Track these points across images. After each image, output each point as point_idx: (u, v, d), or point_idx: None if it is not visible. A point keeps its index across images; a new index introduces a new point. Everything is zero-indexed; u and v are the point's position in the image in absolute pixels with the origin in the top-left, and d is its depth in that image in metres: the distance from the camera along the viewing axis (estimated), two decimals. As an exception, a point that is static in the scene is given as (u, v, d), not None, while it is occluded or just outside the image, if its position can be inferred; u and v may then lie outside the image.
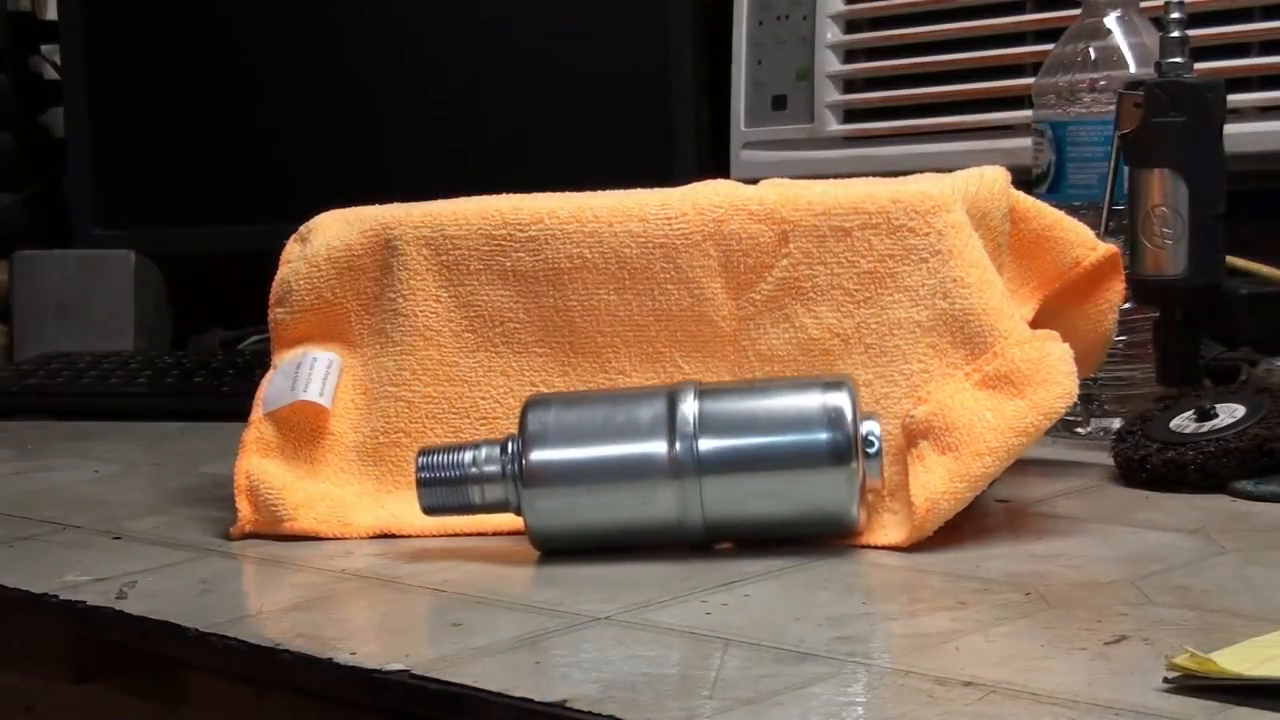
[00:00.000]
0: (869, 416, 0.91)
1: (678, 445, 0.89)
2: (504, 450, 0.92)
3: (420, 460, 0.93)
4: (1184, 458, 1.01)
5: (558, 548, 0.92)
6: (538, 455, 0.91)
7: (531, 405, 0.93)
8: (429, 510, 0.94)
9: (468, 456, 0.92)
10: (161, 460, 1.28)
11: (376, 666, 0.75)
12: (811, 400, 0.90)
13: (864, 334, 0.97)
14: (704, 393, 0.91)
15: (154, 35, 1.72)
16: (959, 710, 0.66)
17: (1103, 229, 1.14)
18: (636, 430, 0.90)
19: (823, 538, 0.91)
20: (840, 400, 0.90)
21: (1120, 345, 1.14)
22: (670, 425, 0.90)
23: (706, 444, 0.89)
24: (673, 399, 0.91)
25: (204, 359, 1.54)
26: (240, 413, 1.05)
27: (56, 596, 0.89)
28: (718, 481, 0.89)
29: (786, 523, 0.91)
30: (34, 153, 1.88)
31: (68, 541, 1.02)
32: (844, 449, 0.89)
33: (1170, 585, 0.82)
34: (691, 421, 0.90)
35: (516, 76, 1.61)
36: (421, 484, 0.93)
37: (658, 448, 0.90)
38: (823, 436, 0.89)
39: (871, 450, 0.90)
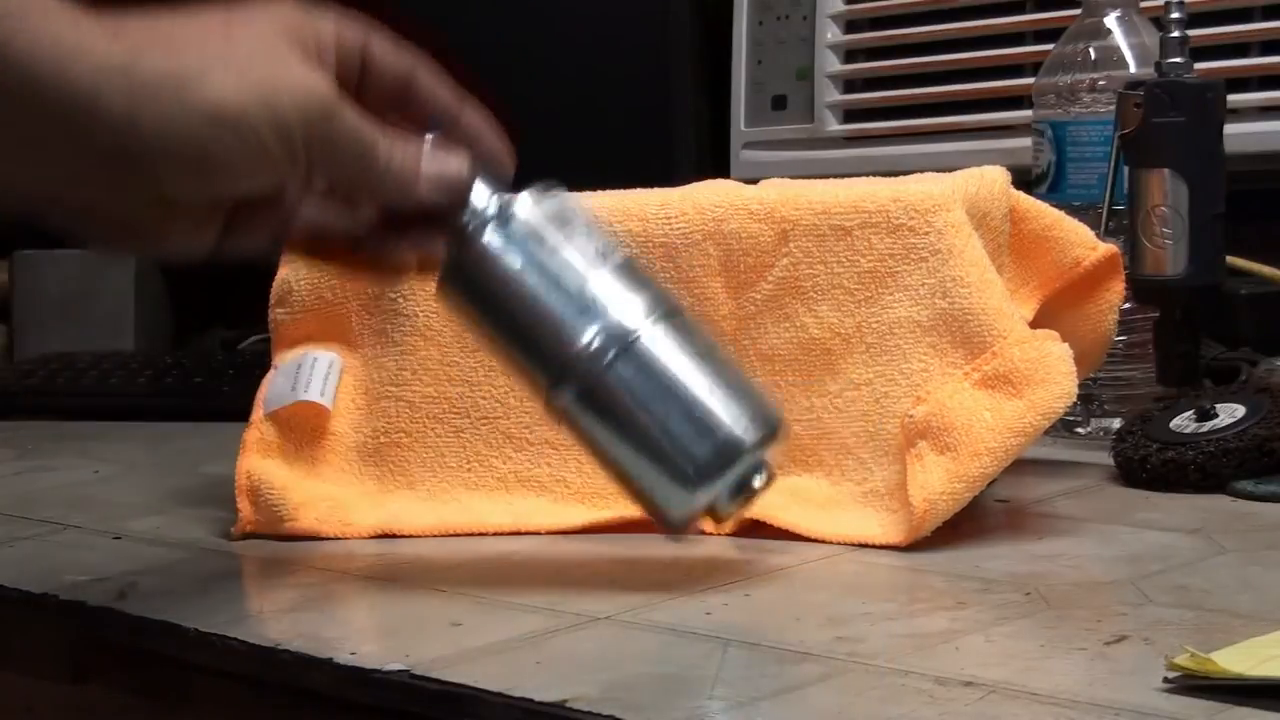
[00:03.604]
0: (765, 469, 0.83)
1: (600, 342, 0.81)
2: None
3: None
4: (1184, 458, 1.01)
5: (461, 307, 0.86)
6: (529, 204, 0.84)
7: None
8: None
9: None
10: (161, 460, 1.28)
11: (376, 666, 0.75)
12: (723, 418, 0.82)
13: (864, 333, 0.97)
14: (670, 320, 0.83)
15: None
16: (959, 710, 0.66)
17: (1103, 229, 1.14)
18: (593, 295, 0.82)
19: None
20: (740, 435, 0.82)
21: (1120, 345, 1.14)
22: (614, 329, 0.82)
23: (620, 368, 0.81)
24: (641, 307, 0.82)
25: (204, 359, 1.54)
26: (240, 413, 1.05)
27: (56, 596, 0.89)
28: (599, 395, 0.82)
29: (623, 475, 0.84)
30: (34, 153, 1.88)
31: (68, 541, 1.02)
32: (706, 475, 0.82)
33: (1170, 585, 0.82)
34: (630, 338, 0.82)
35: (516, 76, 1.61)
36: None
37: (588, 325, 0.81)
38: (701, 451, 0.82)
39: (736, 498, 0.83)
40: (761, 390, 0.87)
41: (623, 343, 0.81)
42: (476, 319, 0.86)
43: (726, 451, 0.82)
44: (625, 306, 0.82)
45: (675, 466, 0.82)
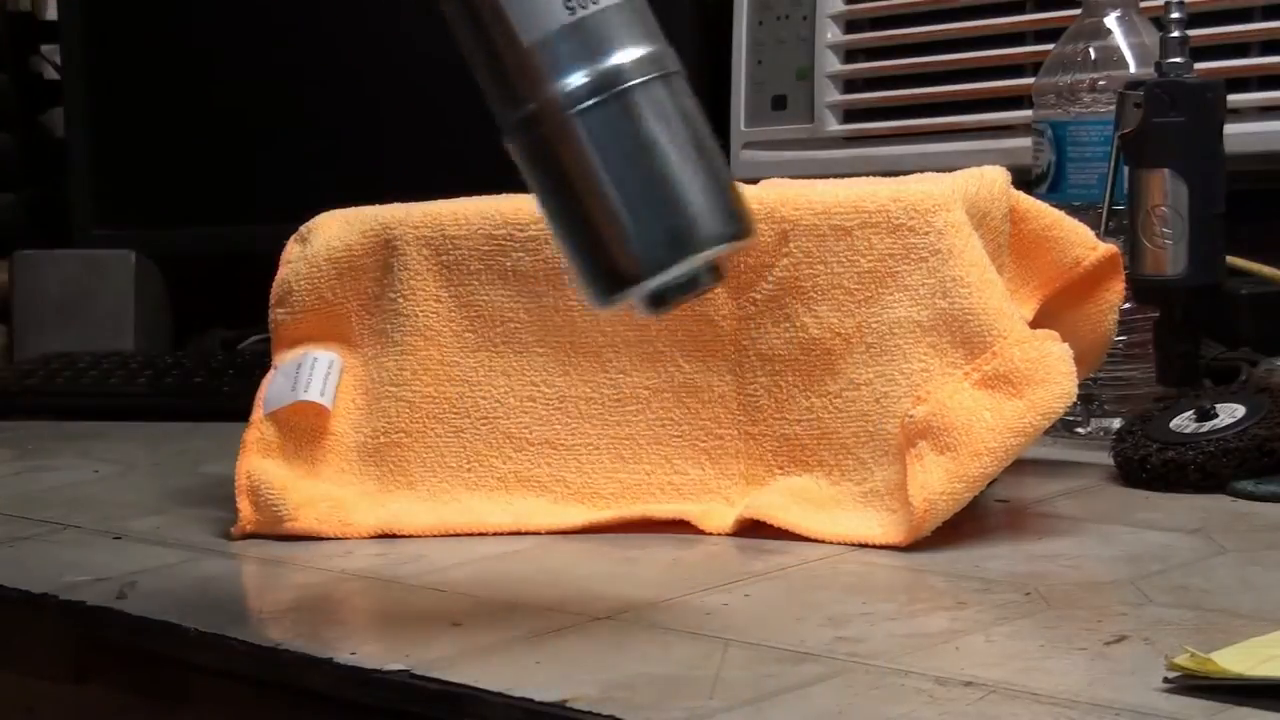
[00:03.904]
0: (716, 268, 0.75)
1: (579, 85, 0.72)
2: None
3: None
4: (1184, 458, 1.01)
5: None
6: None
7: None
8: None
9: None
10: (161, 460, 1.28)
11: (376, 666, 0.75)
12: (688, 203, 0.73)
13: (864, 333, 0.97)
14: (663, 81, 0.74)
15: (154, 35, 1.72)
16: (959, 710, 0.66)
17: (1103, 229, 1.14)
18: None
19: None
20: (699, 227, 0.72)
21: (1120, 345, 1.14)
22: (599, 75, 0.73)
23: (592, 118, 0.72)
24: (636, 57, 0.74)
25: (204, 359, 1.54)
26: (240, 413, 1.05)
27: (56, 596, 0.89)
28: (562, 141, 0.73)
29: (564, 232, 0.75)
30: (34, 153, 1.88)
31: (68, 541, 1.02)
32: (652, 262, 0.73)
33: (1170, 585, 0.82)
34: (612, 89, 0.73)
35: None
36: None
37: (574, 64, 0.73)
38: (652, 234, 0.72)
39: (679, 291, 0.74)
40: (736, 187, 0.76)
41: (603, 92, 0.72)
42: (461, 39, 0.75)
43: (680, 240, 0.73)
44: (618, 53, 0.73)
45: (622, 242, 0.72)
